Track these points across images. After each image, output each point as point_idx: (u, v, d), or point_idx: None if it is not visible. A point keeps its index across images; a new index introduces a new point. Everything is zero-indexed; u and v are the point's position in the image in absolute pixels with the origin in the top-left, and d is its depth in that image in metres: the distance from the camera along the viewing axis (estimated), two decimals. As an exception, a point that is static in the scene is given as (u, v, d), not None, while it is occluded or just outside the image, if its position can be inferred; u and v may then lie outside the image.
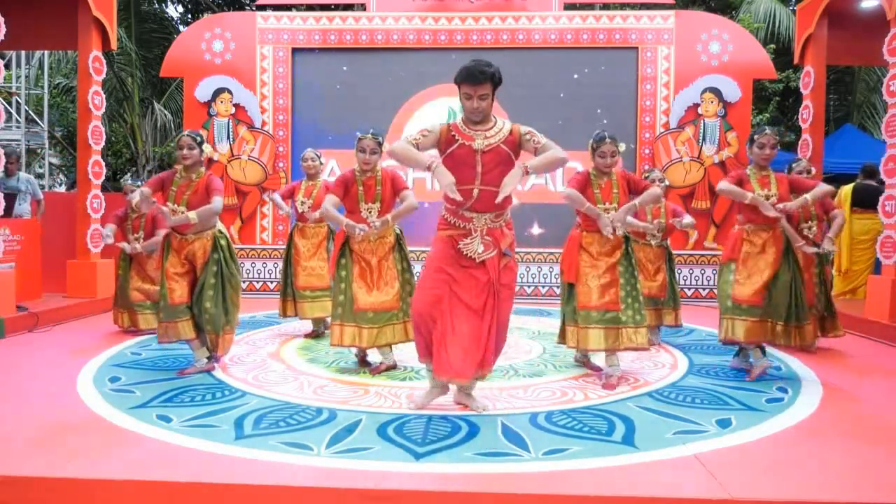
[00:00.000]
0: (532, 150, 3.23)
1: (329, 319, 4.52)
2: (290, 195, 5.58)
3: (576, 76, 8.42)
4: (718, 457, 2.71)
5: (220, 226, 4.24)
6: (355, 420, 3.15)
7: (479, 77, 3.06)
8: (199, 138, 4.15)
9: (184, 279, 4.14)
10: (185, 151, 4.07)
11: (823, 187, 4.20)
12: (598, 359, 4.35)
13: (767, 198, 4.11)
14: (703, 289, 8.19)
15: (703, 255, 8.21)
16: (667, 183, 5.46)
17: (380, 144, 4.23)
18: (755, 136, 4.23)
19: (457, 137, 3.19)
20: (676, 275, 5.47)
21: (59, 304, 6.24)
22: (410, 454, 2.70)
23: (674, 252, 5.51)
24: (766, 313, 4.12)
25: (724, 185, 4.18)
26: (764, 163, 4.21)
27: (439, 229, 3.34)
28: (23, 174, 7.22)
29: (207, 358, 4.22)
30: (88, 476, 2.45)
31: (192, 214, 3.95)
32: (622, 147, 4.16)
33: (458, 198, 3.10)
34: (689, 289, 8.15)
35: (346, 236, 4.18)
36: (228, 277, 4.15)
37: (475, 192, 3.17)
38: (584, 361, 4.45)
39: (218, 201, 4.02)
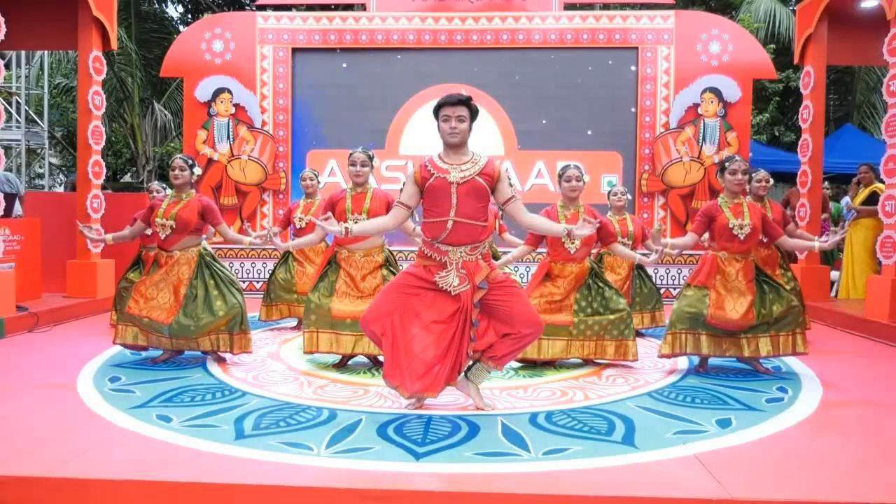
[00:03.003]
0: (506, 198, 3.27)
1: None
2: (286, 221, 5.72)
3: (576, 76, 8.42)
4: (718, 457, 2.71)
5: (204, 243, 4.49)
6: (355, 420, 3.15)
7: (457, 97, 3.17)
8: (190, 161, 4.43)
9: (153, 300, 4.29)
10: (176, 172, 4.35)
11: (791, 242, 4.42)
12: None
13: (741, 227, 4.12)
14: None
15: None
16: (629, 197, 5.89)
17: (370, 158, 4.37)
18: (726, 164, 4.24)
19: (432, 171, 3.21)
20: (653, 277, 5.85)
21: (59, 304, 6.24)
22: (410, 454, 2.70)
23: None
24: (742, 331, 4.13)
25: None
26: (738, 188, 4.21)
27: (417, 259, 3.35)
28: (1, 173, 7.18)
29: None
30: (88, 476, 2.45)
31: (236, 236, 4.48)
32: (587, 178, 4.38)
33: (335, 229, 3.33)
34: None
35: (335, 251, 4.39)
36: (227, 281, 4.37)
37: (449, 223, 3.16)
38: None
39: (226, 230, 4.45)
